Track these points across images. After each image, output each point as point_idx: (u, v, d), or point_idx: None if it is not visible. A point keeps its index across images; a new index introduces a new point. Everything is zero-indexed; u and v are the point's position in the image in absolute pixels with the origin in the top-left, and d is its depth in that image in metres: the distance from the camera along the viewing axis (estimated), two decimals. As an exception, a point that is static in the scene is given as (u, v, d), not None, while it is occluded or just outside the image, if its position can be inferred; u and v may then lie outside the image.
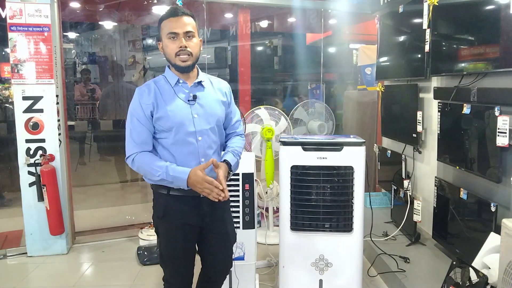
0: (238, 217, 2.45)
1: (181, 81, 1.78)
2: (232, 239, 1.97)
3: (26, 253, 3.36)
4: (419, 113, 3.16)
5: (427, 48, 3.00)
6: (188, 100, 1.76)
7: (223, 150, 1.91)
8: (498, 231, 2.01)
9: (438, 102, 2.91)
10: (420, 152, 3.36)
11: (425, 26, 3.02)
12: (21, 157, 3.27)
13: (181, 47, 1.70)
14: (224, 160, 1.80)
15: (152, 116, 1.72)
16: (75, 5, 4.22)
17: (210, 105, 1.81)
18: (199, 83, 1.82)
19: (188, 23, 1.72)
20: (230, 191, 2.39)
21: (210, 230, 1.87)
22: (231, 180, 2.41)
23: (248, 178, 2.43)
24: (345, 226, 2.29)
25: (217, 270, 1.98)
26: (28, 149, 3.27)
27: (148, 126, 1.72)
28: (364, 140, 2.29)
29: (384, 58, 3.92)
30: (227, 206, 1.95)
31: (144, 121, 1.71)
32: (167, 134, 1.73)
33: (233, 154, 1.86)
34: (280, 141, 2.36)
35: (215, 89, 1.88)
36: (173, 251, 1.82)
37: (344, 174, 2.27)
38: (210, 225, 1.85)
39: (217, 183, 1.63)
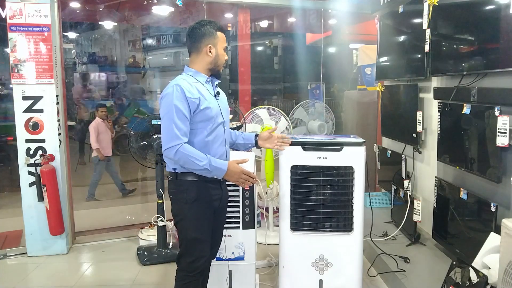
0: (238, 217, 2.45)
1: (208, 79, 2.02)
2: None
3: (26, 253, 3.37)
4: (419, 113, 3.16)
5: (427, 48, 3.00)
6: (215, 96, 2.03)
7: (233, 139, 2.24)
8: (498, 231, 2.01)
9: (438, 102, 2.91)
10: (420, 152, 3.36)
11: (425, 26, 3.02)
12: (21, 157, 3.27)
13: (226, 59, 2.06)
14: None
15: (196, 109, 1.89)
16: (75, 5, 4.23)
17: (225, 102, 2.13)
18: (217, 84, 2.10)
19: None
20: (230, 191, 2.40)
21: (219, 213, 2.09)
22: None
23: (248, 178, 2.43)
24: (345, 226, 2.29)
25: (214, 250, 2.16)
26: (28, 149, 3.27)
27: (189, 119, 1.90)
28: (364, 140, 2.29)
29: (384, 58, 3.92)
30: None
31: (188, 114, 1.88)
32: (204, 124, 1.93)
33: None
34: (280, 141, 2.36)
35: (221, 91, 2.16)
36: (203, 234, 1.98)
37: (344, 174, 2.27)
38: (220, 208, 2.08)
39: (253, 175, 1.99)
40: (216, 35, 1.97)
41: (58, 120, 3.35)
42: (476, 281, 1.94)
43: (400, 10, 3.46)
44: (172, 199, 2.02)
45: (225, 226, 2.37)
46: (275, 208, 3.59)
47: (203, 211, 1.97)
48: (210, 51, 1.97)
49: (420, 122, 3.15)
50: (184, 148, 1.85)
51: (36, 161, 3.27)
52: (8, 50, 3.22)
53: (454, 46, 2.78)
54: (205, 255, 1.99)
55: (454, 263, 2.15)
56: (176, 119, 1.84)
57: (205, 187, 1.96)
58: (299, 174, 2.29)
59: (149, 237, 3.51)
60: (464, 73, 2.64)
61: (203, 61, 1.98)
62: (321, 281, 2.33)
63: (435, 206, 3.00)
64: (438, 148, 2.97)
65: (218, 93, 2.05)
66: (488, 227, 2.30)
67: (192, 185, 1.95)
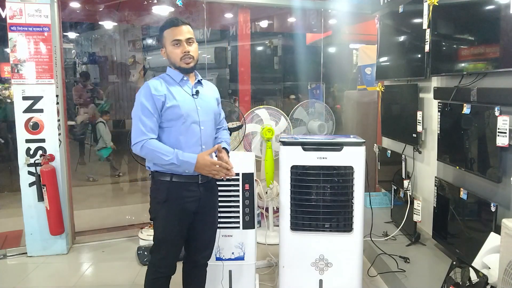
0: (238, 217, 2.45)
1: (185, 78, 2.01)
2: (216, 224, 2.20)
3: (26, 253, 3.36)
4: (419, 113, 3.16)
5: (427, 48, 3.00)
6: (192, 95, 2.00)
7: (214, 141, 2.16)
8: (498, 231, 2.01)
9: (438, 102, 2.91)
10: (420, 152, 3.36)
11: (425, 26, 3.02)
12: (21, 157, 3.27)
13: (185, 52, 1.94)
14: (223, 148, 2.06)
15: (162, 107, 1.90)
16: (75, 5, 4.22)
17: (208, 101, 2.07)
18: (199, 81, 2.07)
19: (188, 31, 1.97)
20: (230, 191, 2.40)
21: (202, 215, 2.05)
22: (231, 180, 2.41)
23: (248, 178, 2.43)
24: (345, 226, 2.29)
25: (204, 253, 2.16)
26: (28, 149, 3.27)
27: (157, 116, 1.90)
28: (364, 140, 2.29)
29: (384, 58, 3.92)
30: (217, 191, 2.17)
31: (154, 111, 1.89)
32: (174, 122, 1.92)
33: (226, 143, 2.14)
34: (280, 141, 2.36)
35: (210, 89, 2.14)
36: (170, 235, 1.99)
37: (344, 174, 2.27)
38: (203, 210, 2.04)
39: (225, 164, 1.92)
40: (163, 36, 1.97)
41: (58, 120, 3.35)
42: (476, 281, 1.94)
43: (400, 10, 3.46)
44: (150, 197, 2.04)
45: (225, 226, 2.38)
46: (275, 208, 3.59)
47: (173, 213, 1.96)
48: (164, 53, 1.99)
49: (420, 122, 3.15)
50: (150, 143, 1.86)
51: (36, 161, 3.27)
52: (8, 50, 3.22)
53: (454, 46, 2.78)
54: (172, 256, 2.02)
55: (454, 263, 2.15)
56: (141, 116, 1.87)
57: (177, 189, 1.95)
58: (299, 174, 2.29)
59: (149, 237, 3.50)
60: (464, 73, 2.64)
61: (169, 63, 2.01)
62: (321, 281, 2.33)
63: (435, 206, 3.00)
64: (438, 148, 2.97)
65: (197, 92, 2.01)
66: (488, 227, 2.30)
67: (163, 185, 1.95)
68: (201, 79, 2.08)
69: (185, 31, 1.95)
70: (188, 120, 1.94)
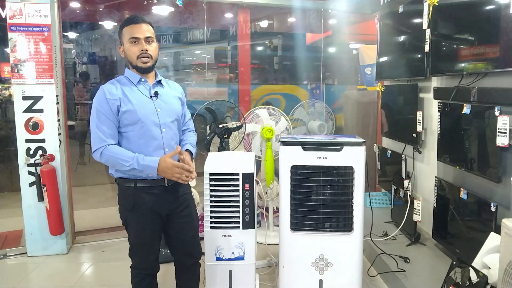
0: (238, 217, 2.45)
1: (143, 79, 1.95)
2: (196, 222, 2.17)
3: (26, 253, 3.37)
4: (419, 113, 3.16)
5: (427, 48, 3.00)
6: (151, 96, 1.94)
7: (179, 144, 2.10)
8: (498, 231, 2.01)
9: (438, 102, 2.91)
10: (420, 152, 3.36)
11: (425, 26, 3.02)
12: (21, 157, 3.27)
13: (142, 50, 1.88)
14: (186, 150, 2.04)
15: (119, 111, 1.85)
16: (75, 5, 4.23)
17: (170, 101, 2.00)
18: (159, 82, 2.01)
19: (147, 29, 1.90)
20: (230, 191, 2.40)
21: (176, 215, 2.03)
22: (231, 180, 2.41)
23: (248, 178, 2.42)
24: (345, 226, 2.29)
25: (188, 252, 2.14)
26: (28, 149, 3.27)
27: (114, 121, 1.86)
28: (364, 140, 2.29)
29: (384, 58, 3.92)
30: (189, 191, 2.13)
31: (111, 116, 1.85)
32: (132, 127, 1.87)
33: (191, 145, 2.09)
34: (280, 141, 2.36)
35: (172, 89, 2.07)
36: (144, 239, 1.98)
37: (344, 174, 2.27)
38: (176, 211, 2.02)
39: (187, 166, 1.86)
40: (122, 33, 1.91)
41: (58, 120, 3.35)
42: (476, 281, 1.94)
43: (400, 10, 3.46)
44: (118, 203, 2.03)
45: (225, 226, 2.38)
46: (275, 208, 3.59)
47: (142, 218, 1.94)
48: (122, 52, 1.93)
49: (420, 122, 3.15)
50: (109, 149, 1.82)
51: (36, 161, 3.27)
52: (8, 50, 3.22)
53: (454, 46, 2.78)
54: (151, 257, 2.02)
55: (454, 263, 2.15)
56: (98, 122, 1.84)
57: (143, 194, 1.91)
58: (299, 174, 2.29)
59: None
60: (464, 73, 2.64)
61: (127, 63, 1.95)
62: (321, 281, 2.33)
63: (435, 206, 3.00)
64: (438, 148, 2.97)
65: (156, 93, 1.94)
66: (488, 227, 2.30)
67: (129, 192, 1.92)
68: (161, 79, 2.01)
69: (145, 29, 1.88)
70: (147, 124, 1.88)
